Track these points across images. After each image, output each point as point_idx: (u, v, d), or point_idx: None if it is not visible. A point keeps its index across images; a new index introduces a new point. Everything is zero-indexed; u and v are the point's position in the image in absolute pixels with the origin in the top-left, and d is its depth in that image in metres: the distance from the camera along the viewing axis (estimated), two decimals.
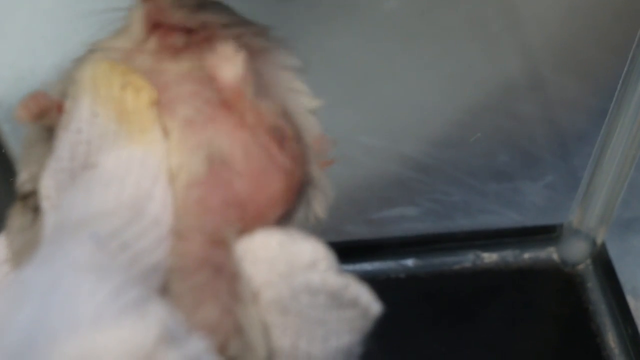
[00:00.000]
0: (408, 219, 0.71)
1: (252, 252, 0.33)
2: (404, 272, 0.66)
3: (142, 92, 0.35)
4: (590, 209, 0.65)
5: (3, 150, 0.72)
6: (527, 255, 0.68)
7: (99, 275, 0.27)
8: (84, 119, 0.34)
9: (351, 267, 0.66)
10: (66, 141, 0.34)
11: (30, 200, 0.36)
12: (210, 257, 0.32)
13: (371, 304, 0.34)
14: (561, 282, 0.68)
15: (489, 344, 0.64)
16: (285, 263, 0.33)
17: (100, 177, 0.32)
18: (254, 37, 0.39)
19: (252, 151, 0.35)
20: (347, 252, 0.67)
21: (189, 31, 0.37)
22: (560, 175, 0.72)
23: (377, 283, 0.63)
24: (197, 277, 0.32)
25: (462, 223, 0.70)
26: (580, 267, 0.68)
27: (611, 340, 0.65)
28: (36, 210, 0.35)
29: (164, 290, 0.31)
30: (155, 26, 0.37)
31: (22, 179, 0.37)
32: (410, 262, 0.67)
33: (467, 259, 0.68)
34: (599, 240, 0.67)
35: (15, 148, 0.74)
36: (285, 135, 0.36)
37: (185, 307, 0.30)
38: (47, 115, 0.35)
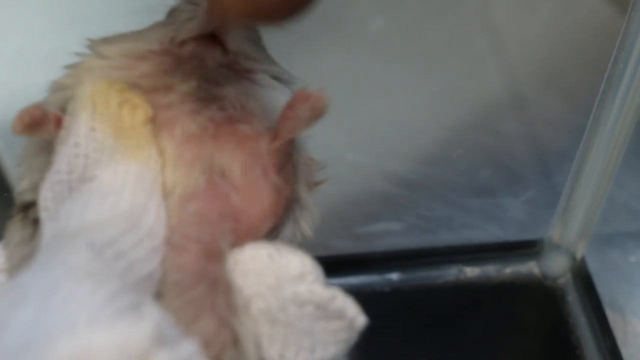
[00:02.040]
0: (392, 234, 0.72)
1: (243, 264, 0.34)
2: (389, 286, 0.67)
3: (139, 109, 0.37)
4: (570, 224, 0.66)
5: None
6: (508, 270, 0.69)
7: (95, 281, 0.28)
8: (82, 133, 0.35)
9: (337, 280, 0.66)
10: (64, 155, 0.35)
11: (31, 212, 0.37)
12: (207, 270, 0.33)
13: (357, 316, 0.35)
14: (542, 296, 0.68)
15: (472, 356, 0.65)
16: (274, 275, 0.34)
17: (97, 189, 0.34)
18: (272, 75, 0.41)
19: (249, 168, 0.36)
20: (332, 266, 0.67)
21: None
22: (540, 191, 0.74)
23: (362, 296, 0.64)
24: (194, 291, 0.32)
25: (445, 238, 0.71)
26: (561, 281, 0.69)
27: (591, 352, 0.65)
28: (36, 223, 0.36)
29: (157, 300, 0.32)
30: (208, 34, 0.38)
31: (22, 187, 0.38)
32: (394, 276, 0.67)
33: (450, 273, 0.68)
34: (578, 255, 0.68)
35: (9, 164, 0.74)
36: (285, 159, 0.37)
37: (182, 320, 0.31)
38: (42, 127, 0.36)
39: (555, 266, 0.69)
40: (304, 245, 0.70)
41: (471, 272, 0.68)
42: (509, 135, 0.78)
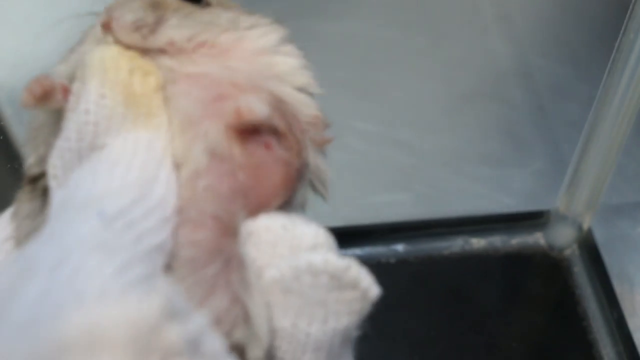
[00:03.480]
0: (401, 204, 0.72)
1: (256, 235, 0.34)
2: (394, 257, 0.67)
3: (150, 76, 0.36)
4: (577, 195, 0.66)
5: (2, 137, 0.73)
6: (514, 241, 0.69)
7: (105, 252, 0.28)
8: (92, 100, 0.34)
9: (342, 251, 0.66)
10: (74, 122, 0.34)
11: (39, 184, 0.37)
12: (222, 247, 0.33)
13: (370, 286, 0.34)
14: (548, 267, 0.68)
15: (478, 328, 0.65)
16: (287, 245, 0.34)
17: (107, 158, 0.33)
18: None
19: (249, 146, 0.35)
20: (338, 237, 0.68)
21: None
22: (548, 161, 0.73)
23: (367, 267, 0.64)
24: (209, 268, 0.32)
25: (452, 208, 0.71)
26: (567, 252, 0.69)
27: (597, 323, 0.65)
28: (45, 193, 0.36)
29: (168, 274, 0.31)
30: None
31: (30, 162, 0.38)
32: (400, 247, 0.67)
33: (456, 244, 0.68)
34: (585, 226, 0.68)
35: (17, 132, 0.75)
36: (280, 131, 0.37)
37: (194, 296, 0.31)
38: (51, 98, 0.35)
39: (561, 237, 0.69)
40: (310, 215, 0.71)
41: (477, 243, 0.68)
42: (517, 104, 0.78)
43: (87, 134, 0.34)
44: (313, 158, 0.40)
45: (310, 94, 0.40)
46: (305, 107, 0.39)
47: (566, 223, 0.68)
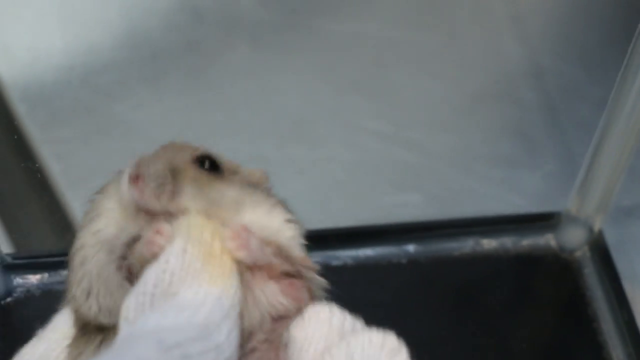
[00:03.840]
0: (412, 205, 0.72)
1: (309, 317, 0.41)
2: (405, 258, 0.67)
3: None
4: (589, 197, 0.66)
5: (16, 135, 0.73)
6: (525, 242, 0.69)
7: None
8: (174, 252, 0.37)
9: (353, 251, 0.67)
10: (153, 269, 0.37)
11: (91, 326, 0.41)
12: None
13: None
14: (559, 269, 0.68)
15: (488, 328, 0.65)
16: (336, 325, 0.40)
17: (177, 304, 0.35)
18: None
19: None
20: (349, 237, 0.68)
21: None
22: (559, 162, 0.73)
23: (379, 268, 0.64)
24: None
25: (463, 209, 0.71)
26: (578, 253, 0.68)
27: (607, 325, 0.65)
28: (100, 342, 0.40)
29: None
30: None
31: (93, 310, 0.40)
32: (411, 248, 0.67)
33: (467, 245, 0.68)
34: (596, 228, 0.68)
35: (30, 131, 0.75)
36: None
37: None
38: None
39: (572, 239, 0.68)
40: (326, 214, 0.71)
41: (488, 244, 0.68)
42: (529, 105, 0.78)
43: (163, 281, 0.36)
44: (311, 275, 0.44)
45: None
46: (297, 250, 0.45)
47: (577, 225, 0.68)
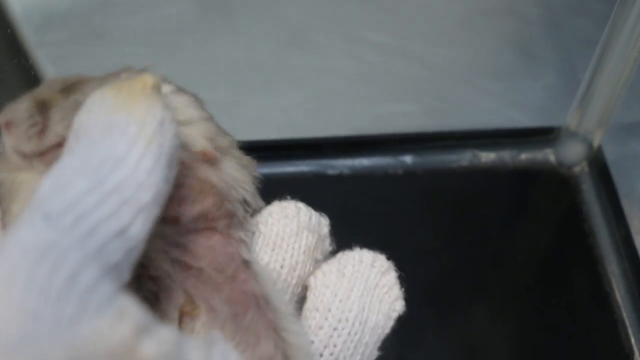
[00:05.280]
0: (411, 115, 0.72)
1: (277, 212, 0.39)
2: (402, 168, 0.67)
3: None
4: (589, 112, 0.65)
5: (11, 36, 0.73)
6: (524, 156, 0.68)
7: (51, 260, 0.26)
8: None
9: (349, 161, 0.66)
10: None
11: None
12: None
13: (400, 299, 0.38)
14: (557, 183, 0.68)
15: (483, 241, 0.65)
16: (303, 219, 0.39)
17: (69, 149, 0.31)
18: None
19: None
20: (346, 146, 0.68)
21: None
22: (561, 77, 0.73)
23: (374, 178, 0.64)
24: (248, 314, 0.34)
25: (462, 121, 0.71)
26: (576, 169, 0.68)
27: (603, 240, 0.66)
28: None
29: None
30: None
31: None
32: (408, 159, 0.67)
33: (465, 158, 0.68)
34: (595, 144, 0.68)
35: (25, 33, 0.74)
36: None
37: (240, 345, 0.34)
38: None
39: (571, 154, 0.68)
40: (322, 121, 0.71)
41: (486, 157, 0.68)
42: (533, 20, 0.77)
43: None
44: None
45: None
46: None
47: (576, 140, 0.68)
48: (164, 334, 0.26)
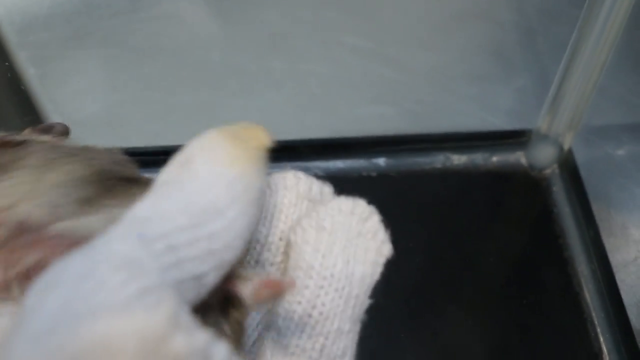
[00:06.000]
0: (386, 118, 0.72)
1: (275, 184, 0.37)
2: (375, 171, 0.67)
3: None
4: (559, 115, 0.66)
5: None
6: (495, 159, 0.69)
7: (131, 272, 0.27)
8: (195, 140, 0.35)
9: (324, 163, 0.67)
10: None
11: None
12: None
13: (386, 242, 0.36)
14: (528, 186, 0.69)
15: (456, 242, 0.66)
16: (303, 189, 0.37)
17: (178, 185, 0.32)
18: None
19: None
20: (321, 148, 0.68)
21: None
22: (534, 82, 0.74)
23: (348, 180, 0.65)
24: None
25: (436, 124, 0.71)
26: (547, 171, 0.69)
27: (573, 242, 0.66)
28: None
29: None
30: None
31: None
32: (381, 161, 0.68)
33: (437, 160, 0.69)
34: (566, 146, 0.68)
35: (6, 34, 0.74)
36: None
37: None
38: None
39: (542, 157, 0.69)
40: (302, 126, 0.71)
41: (458, 159, 0.69)
42: (507, 25, 0.78)
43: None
44: None
45: None
46: None
47: (547, 143, 0.69)
48: (198, 338, 0.27)
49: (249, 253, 0.37)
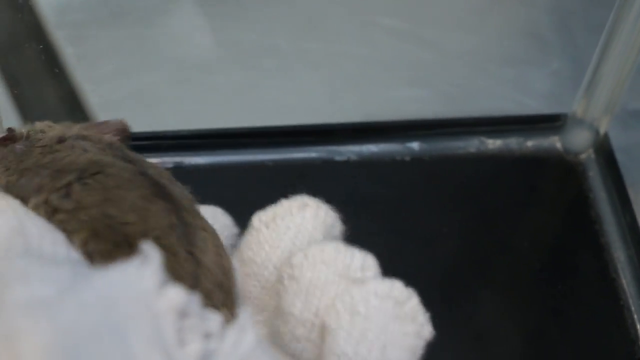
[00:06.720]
0: (419, 101, 0.72)
1: (312, 257, 0.36)
2: (409, 155, 0.67)
3: None
4: (595, 99, 0.66)
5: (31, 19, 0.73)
6: (530, 143, 0.69)
7: None
8: None
9: (357, 147, 0.67)
10: None
11: None
12: None
13: (426, 324, 0.36)
14: (563, 171, 0.68)
15: (490, 227, 0.66)
16: (341, 265, 0.36)
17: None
18: None
19: None
20: (354, 132, 0.68)
21: None
22: (570, 65, 0.73)
23: (381, 164, 0.65)
24: None
25: (470, 108, 0.71)
26: (583, 156, 0.68)
27: (609, 227, 0.66)
28: None
29: None
30: None
31: None
32: (415, 145, 0.67)
33: (472, 144, 0.68)
34: (602, 130, 0.68)
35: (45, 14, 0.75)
36: None
37: None
38: None
39: (577, 141, 0.68)
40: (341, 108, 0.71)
41: (492, 144, 0.68)
42: (546, 7, 0.77)
43: None
44: None
45: None
46: None
47: (583, 127, 0.68)
48: (182, 292, 0.28)
49: (285, 326, 0.37)
